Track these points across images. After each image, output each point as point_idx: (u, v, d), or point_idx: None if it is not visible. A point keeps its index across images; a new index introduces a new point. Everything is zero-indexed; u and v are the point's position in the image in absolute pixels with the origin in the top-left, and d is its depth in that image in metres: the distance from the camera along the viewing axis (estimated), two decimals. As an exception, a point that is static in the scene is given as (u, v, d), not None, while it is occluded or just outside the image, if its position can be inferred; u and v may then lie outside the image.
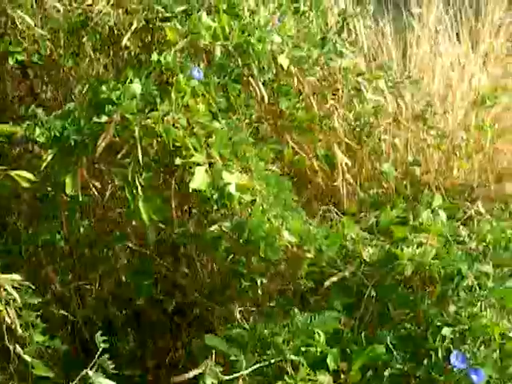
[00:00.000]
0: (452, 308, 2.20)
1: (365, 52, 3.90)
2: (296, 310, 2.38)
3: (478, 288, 2.24)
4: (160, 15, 3.69)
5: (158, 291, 3.43)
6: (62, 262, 3.52)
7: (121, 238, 3.45)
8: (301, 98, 3.50)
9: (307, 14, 3.97)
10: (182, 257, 3.48)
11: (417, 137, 3.58)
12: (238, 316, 2.64)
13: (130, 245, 3.45)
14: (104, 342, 2.11)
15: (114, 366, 2.88)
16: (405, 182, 3.52)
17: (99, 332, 2.15)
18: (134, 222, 3.25)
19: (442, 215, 2.92)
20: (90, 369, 2.12)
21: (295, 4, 3.94)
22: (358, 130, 3.51)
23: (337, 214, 3.08)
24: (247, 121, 3.48)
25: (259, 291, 2.81)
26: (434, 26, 4.27)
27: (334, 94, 3.49)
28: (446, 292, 2.28)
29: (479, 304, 2.22)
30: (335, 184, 3.34)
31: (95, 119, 3.01)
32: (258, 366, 2.18)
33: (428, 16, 4.19)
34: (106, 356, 2.11)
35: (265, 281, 2.83)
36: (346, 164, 3.38)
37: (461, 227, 2.80)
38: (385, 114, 3.49)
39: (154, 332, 3.57)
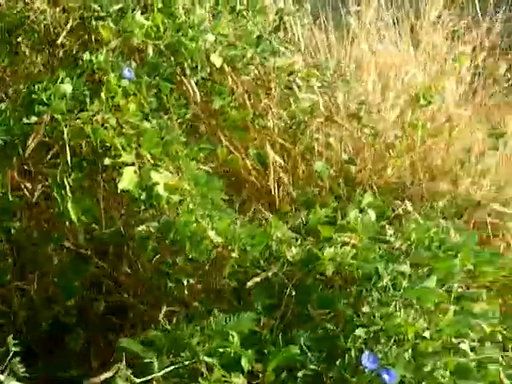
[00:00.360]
0: (366, 308, 2.20)
1: (302, 51, 3.89)
2: (216, 312, 2.37)
3: (392, 288, 2.25)
4: (96, 14, 3.67)
5: (96, 291, 3.42)
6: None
7: (58, 239, 3.42)
8: (234, 97, 3.49)
9: (244, 13, 3.96)
10: (123, 257, 3.45)
11: (351, 135, 3.59)
12: (163, 317, 2.62)
13: (68, 245, 3.42)
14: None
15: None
16: (339, 181, 3.52)
17: (11, 335, 2.12)
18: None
19: (371, 214, 2.93)
20: (2, 372, 2.09)
21: (231, 3, 3.93)
22: (291, 128, 3.50)
23: (268, 213, 3.08)
24: (181, 120, 3.46)
25: (185, 292, 2.80)
26: (373, 24, 4.27)
27: (267, 94, 3.48)
28: (362, 292, 2.28)
29: (394, 304, 2.22)
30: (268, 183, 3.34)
31: (25, 120, 2.99)
32: (172, 368, 2.17)
33: (366, 14, 4.19)
34: (17, 359, 2.09)
35: (192, 281, 2.83)
36: (279, 163, 3.38)
37: (387, 226, 2.80)
38: (319, 113, 3.48)
39: (98, 332, 3.54)
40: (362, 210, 2.94)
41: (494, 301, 2.84)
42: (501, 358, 2.61)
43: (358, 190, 3.20)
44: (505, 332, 2.74)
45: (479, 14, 4.17)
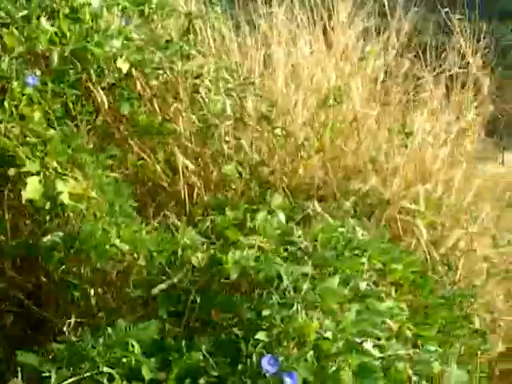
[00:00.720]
0: (266, 312, 2.19)
1: (213, 53, 3.87)
2: (120, 322, 2.33)
3: (292, 290, 2.24)
4: (0, 21, 3.60)
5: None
6: None
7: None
8: (142, 102, 3.46)
9: (153, 17, 3.94)
10: (32, 268, 3.38)
11: (262, 137, 3.58)
12: (71, 329, 2.57)
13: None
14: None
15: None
16: (252, 184, 3.50)
17: None
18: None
19: (280, 216, 2.93)
20: None
21: (140, 7, 3.89)
22: (202, 132, 3.48)
23: (178, 218, 3.05)
24: (89, 127, 3.42)
25: (93, 302, 2.76)
26: (285, 25, 4.27)
27: (175, 98, 3.46)
28: (262, 295, 2.27)
29: (295, 306, 2.21)
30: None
31: None
32: (71, 380, 2.13)
33: (278, 15, 4.18)
34: None
35: (100, 291, 2.79)
36: (191, 168, 3.36)
37: (295, 227, 2.79)
38: (229, 116, 3.46)
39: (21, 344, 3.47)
40: (271, 212, 2.94)
41: (403, 298, 2.86)
42: (413, 355, 2.64)
43: (268, 192, 3.18)
44: (414, 328, 2.77)
45: (388, 14, 4.19)
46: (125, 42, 3.50)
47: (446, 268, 3.33)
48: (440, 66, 4.02)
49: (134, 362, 2.16)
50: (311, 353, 2.15)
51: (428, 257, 3.22)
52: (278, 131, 3.53)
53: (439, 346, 2.84)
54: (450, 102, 3.77)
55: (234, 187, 3.52)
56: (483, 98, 3.85)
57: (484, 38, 4.14)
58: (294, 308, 2.21)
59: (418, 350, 2.64)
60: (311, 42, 4.24)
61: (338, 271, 2.48)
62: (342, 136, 3.59)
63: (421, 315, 2.96)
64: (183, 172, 3.31)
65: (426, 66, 4.03)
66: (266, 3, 4.19)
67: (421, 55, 4.09)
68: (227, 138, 3.48)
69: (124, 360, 2.18)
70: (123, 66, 3.39)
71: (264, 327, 2.18)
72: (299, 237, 2.74)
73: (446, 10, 3.97)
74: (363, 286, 2.61)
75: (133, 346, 2.15)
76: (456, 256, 3.36)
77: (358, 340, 2.28)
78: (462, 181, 3.48)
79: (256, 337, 2.15)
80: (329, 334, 2.22)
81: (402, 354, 2.49)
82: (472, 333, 3.23)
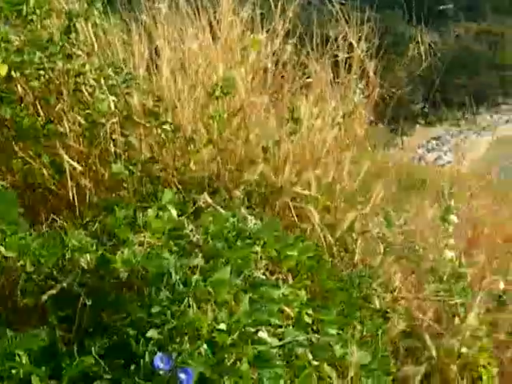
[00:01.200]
0: (156, 308, 2.14)
1: (96, 51, 3.78)
2: (7, 332, 2.24)
3: (182, 285, 2.20)
4: None
5: None
6: None
7: None
8: (24, 105, 3.36)
9: (33, 17, 3.82)
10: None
11: (151, 133, 3.52)
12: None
13: None
14: None
15: None
16: (143, 181, 3.44)
17: None
18: None
19: (172, 211, 2.88)
20: None
21: (17, 7, 3.77)
22: (88, 132, 3.40)
23: (66, 221, 2.97)
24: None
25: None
26: (171, 19, 4.21)
27: (58, 98, 3.37)
28: (151, 292, 2.22)
29: (186, 300, 2.17)
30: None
31: None
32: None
33: (162, 10, 4.12)
34: None
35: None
36: (78, 169, 3.28)
37: (185, 221, 2.75)
38: (115, 114, 3.39)
39: None
40: (162, 208, 2.89)
41: (300, 284, 2.86)
42: (313, 340, 2.64)
43: (159, 188, 3.13)
44: (313, 313, 2.77)
45: (272, 5, 4.18)
46: (2, 44, 3.38)
47: (343, 251, 3.34)
48: (327, 52, 4.03)
49: (22, 372, 2.08)
50: (205, 346, 2.11)
51: (324, 241, 3.22)
52: (166, 126, 3.48)
53: (341, 329, 2.85)
54: (335, 87, 3.79)
55: (125, 186, 3.45)
56: (370, 81, 3.88)
57: (374, 25, 4.18)
58: (185, 302, 2.17)
59: (317, 335, 2.64)
60: (197, 35, 4.20)
61: (230, 262, 2.45)
62: (230, 127, 3.56)
63: (320, 300, 2.97)
64: (71, 174, 3.22)
65: (313, 53, 4.04)
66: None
67: (307, 43, 4.10)
68: (114, 137, 3.40)
69: (13, 371, 2.11)
70: (2, 68, 3.28)
71: (156, 324, 2.13)
72: (191, 230, 2.71)
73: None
74: (258, 274, 2.59)
75: (20, 356, 2.07)
76: (352, 238, 3.38)
77: (253, 330, 2.26)
78: (352, 164, 3.50)
79: (147, 335, 2.10)
80: (223, 326, 2.19)
81: (301, 340, 2.48)
82: (373, 313, 3.26)
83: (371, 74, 3.88)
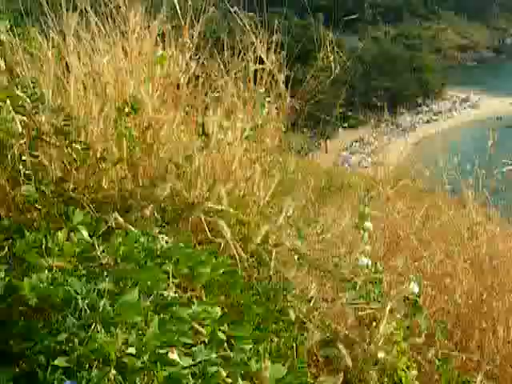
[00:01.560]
0: (62, 336, 2.12)
1: (3, 71, 3.73)
2: None
3: (89, 310, 2.18)
4: None
5: None
6: None
7: None
8: None
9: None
10: None
11: (61, 152, 3.48)
12: None
13: None
14: None
15: None
16: (55, 202, 3.39)
17: None
18: None
19: (83, 232, 2.86)
20: None
21: None
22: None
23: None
24: None
25: None
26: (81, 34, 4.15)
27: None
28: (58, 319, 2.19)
29: (94, 326, 2.15)
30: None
31: None
32: None
33: (71, 25, 4.07)
34: None
35: None
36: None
37: (96, 242, 2.72)
38: (22, 134, 3.34)
39: None
40: (73, 230, 2.86)
41: (214, 300, 2.86)
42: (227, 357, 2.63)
43: (70, 209, 3.09)
44: (227, 329, 2.76)
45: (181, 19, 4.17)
46: None
47: (258, 264, 3.36)
48: (237, 65, 4.05)
49: None
50: (114, 372, 2.09)
51: (237, 256, 3.22)
52: (77, 145, 3.44)
53: (256, 343, 2.86)
54: (244, 100, 3.81)
55: (38, 207, 3.40)
56: (280, 92, 3.91)
57: (281, 33, 4.21)
58: (93, 327, 2.15)
59: (230, 352, 2.64)
60: (108, 50, 4.16)
61: (140, 283, 2.44)
62: (141, 144, 3.54)
63: (235, 315, 2.97)
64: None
65: (224, 66, 4.05)
66: (56, 16, 4.05)
67: (217, 56, 4.11)
68: (24, 158, 3.35)
69: None
70: None
71: (65, 351, 2.11)
72: (102, 252, 2.69)
73: (234, 9, 4.00)
74: (170, 294, 2.59)
75: None
76: (266, 251, 3.39)
77: (164, 351, 2.25)
78: (263, 176, 3.52)
79: (54, 363, 2.07)
80: (132, 350, 2.17)
81: (213, 358, 2.48)
82: (289, 325, 3.27)
83: (281, 84, 3.91)
